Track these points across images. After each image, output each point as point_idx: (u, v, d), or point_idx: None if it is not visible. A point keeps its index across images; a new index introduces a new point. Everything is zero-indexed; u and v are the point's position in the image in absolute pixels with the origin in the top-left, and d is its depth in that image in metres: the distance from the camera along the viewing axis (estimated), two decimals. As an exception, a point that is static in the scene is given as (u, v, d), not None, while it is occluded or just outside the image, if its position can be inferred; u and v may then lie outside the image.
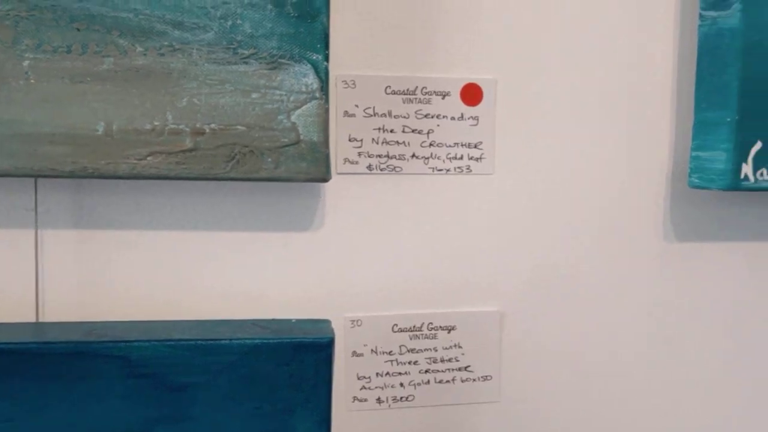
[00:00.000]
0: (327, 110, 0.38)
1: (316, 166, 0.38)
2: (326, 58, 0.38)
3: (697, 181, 0.44)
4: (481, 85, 0.45)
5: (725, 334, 0.49)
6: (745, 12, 0.40)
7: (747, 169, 0.41)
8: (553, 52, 0.46)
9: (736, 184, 0.41)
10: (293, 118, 0.38)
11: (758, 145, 0.41)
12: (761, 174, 0.41)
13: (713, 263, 0.48)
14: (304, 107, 0.38)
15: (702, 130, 0.44)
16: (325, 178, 0.39)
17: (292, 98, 0.38)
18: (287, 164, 0.38)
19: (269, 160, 0.38)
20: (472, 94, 0.45)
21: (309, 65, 0.38)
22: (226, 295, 0.44)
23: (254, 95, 0.37)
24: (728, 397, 0.50)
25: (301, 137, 0.38)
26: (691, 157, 0.45)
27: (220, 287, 0.44)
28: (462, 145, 0.46)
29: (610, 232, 0.47)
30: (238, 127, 0.37)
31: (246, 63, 0.37)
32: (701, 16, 0.44)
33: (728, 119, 0.41)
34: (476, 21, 0.45)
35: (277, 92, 0.38)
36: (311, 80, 0.38)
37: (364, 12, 0.44)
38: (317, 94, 0.38)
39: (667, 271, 0.48)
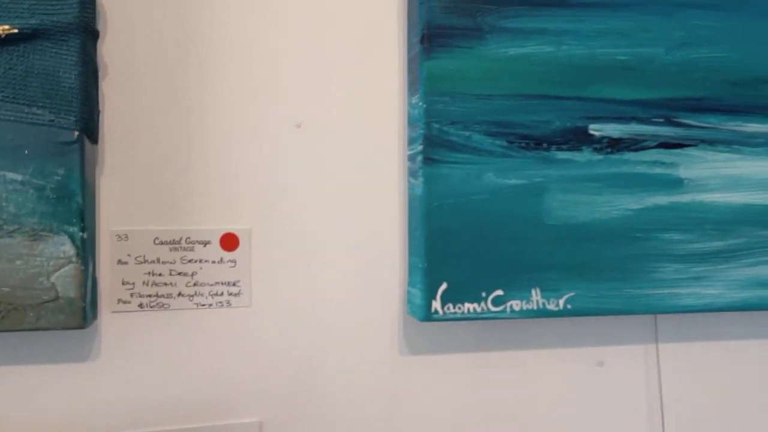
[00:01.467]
0: (83, 271, 0.47)
1: (73, 318, 0.46)
2: (82, 230, 0.47)
3: (409, 311, 0.55)
4: (237, 234, 0.55)
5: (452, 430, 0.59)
6: (427, 183, 0.52)
7: (436, 304, 0.52)
8: (301, 206, 0.56)
9: (428, 317, 0.52)
10: (52, 279, 0.46)
11: (444, 286, 0.52)
12: (448, 308, 0.52)
13: (434, 374, 0.58)
14: (62, 270, 0.46)
15: (411, 271, 0.55)
16: (81, 326, 0.47)
17: (51, 263, 0.46)
18: (47, 317, 0.46)
19: (31, 314, 0.46)
20: (229, 241, 0.55)
21: (66, 236, 0.46)
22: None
23: (18, 262, 0.46)
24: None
25: (60, 294, 0.46)
26: (407, 292, 0.56)
27: None
28: (222, 284, 0.55)
29: (355, 352, 0.57)
30: (3, 288, 0.45)
31: (11, 236, 0.45)
32: (408, 180, 0.56)
33: (421, 265, 0.52)
34: (232, 180, 0.55)
35: (39, 259, 0.46)
36: (68, 248, 0.46)
37: (137, 175, 0.53)
38: (74, 259, 0.46)
39: (400, 380, 0.58)
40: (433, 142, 0.52)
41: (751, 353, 0.63)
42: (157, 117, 0.53)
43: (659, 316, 0.61)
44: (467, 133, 0.53)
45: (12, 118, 0.45)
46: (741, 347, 0.62)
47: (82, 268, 0.47)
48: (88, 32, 0.48)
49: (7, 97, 0.45)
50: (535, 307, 0.54)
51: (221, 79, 0.54)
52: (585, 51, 0.55)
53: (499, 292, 0.53)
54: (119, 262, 0.53)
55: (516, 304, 0.53)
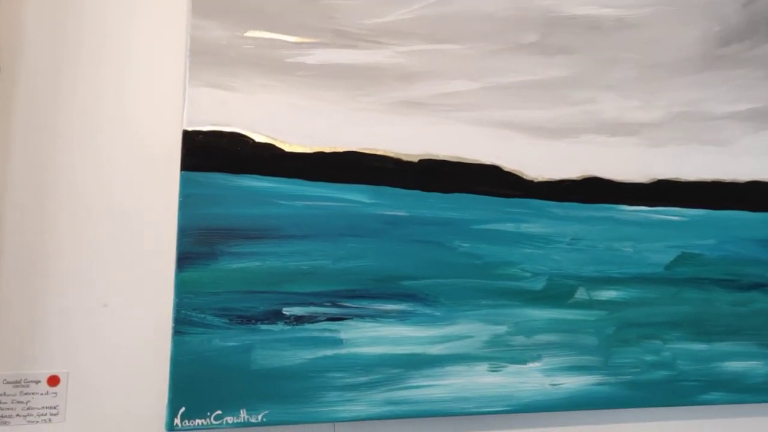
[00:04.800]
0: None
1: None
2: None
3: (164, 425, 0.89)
4: (59, 375, 0.88)
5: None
6: (175, 346, 0.87)
7: (177, 420, 0.86)
8: (101, 358, 0.89)
9: (172, 428, 0.86)
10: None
11: (183, 409, 0.86)
12: (185, 423, 0.86)
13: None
14: None
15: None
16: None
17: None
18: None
19: None
20: (53, 380, 0.88)
21: (-58, 385, 0.78)
22: None
23: None
24: None
25: (-65, 420, 0.77)
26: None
27: None
28: (47, 407, 0.87)
29: (133, 448, 0.90)
30: None
31: None
32: (171, 341, 0.90)
33: (169, 396, 0.86)
34: (58, 342, 0.88)
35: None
36: (-58, 392, 0.78)
37: (-5, 340, 0.86)
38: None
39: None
40: (181, 321, 0.87)
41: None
42: (10, 307, 0.87)
43: (337, 423, 0.97)
44: (203, 315, 0.88)
45: None
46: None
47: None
48: None
49: None
50: (242, 421, 0.88)
51: (57, 289, 0.89)
52: (281, 263, 0.92)
53: (219, 412, 0.88)
54: (-21, 395, 0.84)
55: (230, 419, 0.88)
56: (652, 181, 1.10)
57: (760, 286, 1.13)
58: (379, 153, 0.98)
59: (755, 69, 1.18)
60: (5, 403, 0.85)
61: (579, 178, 1.07)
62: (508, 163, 1.04)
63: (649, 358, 1.07)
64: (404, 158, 0.99)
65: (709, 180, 1.13)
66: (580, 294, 1.05)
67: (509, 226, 1.03)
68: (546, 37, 1.07)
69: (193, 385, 0.87)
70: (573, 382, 1.03)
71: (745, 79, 1.17)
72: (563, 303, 1.04)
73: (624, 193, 1.09)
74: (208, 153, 0.91)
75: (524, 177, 1.05)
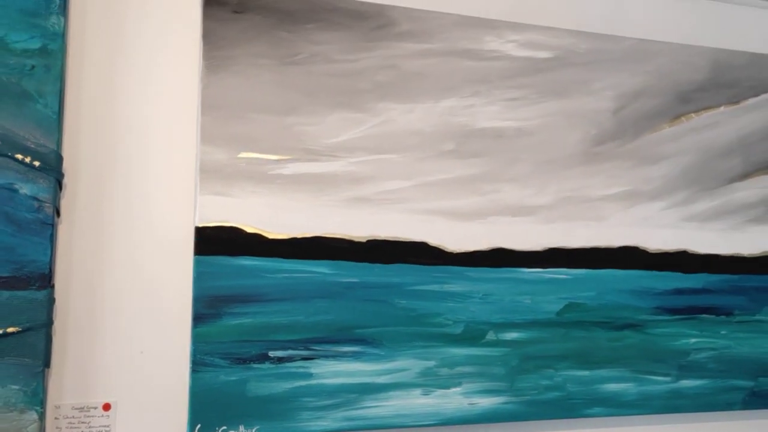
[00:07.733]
0: (39, 426, 1.14)
1: (34, 445, 1.13)
2: (41, 408, 1.14)
3: (186, 436, 1.24)
4: (111, 403, 1.24)
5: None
6: (192, 381, 1.23)
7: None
8: (137, 394, 1.25)
9: None
10: (28, 430, 1.13)
11: (199, 425, 1.22)
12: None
13: (200, 465, 1.27)
14: (31, 425, 1.13)
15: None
16: (38, 449, 1.14)
17: (28, 422, 1.13)
18: (24, 445, 1.13)
19: (17, 444, 1.12)
20: (107, 406, 1.23)
21: (34, 412, 1.14)
22: (-1, 494, 1.15)
23: (13, 422, 1.12)
24: None
25: (30, 435, 1.13)
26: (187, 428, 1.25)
27: (-3, 490, 1.15)
28: (101, 426, 1.23)
29: (163, 456, 1.25)
30: (6, 434, 1.12)
31: (11, 412, 1.12)
32: (189, 377, 1.27)
33: (189, 417, 1.22)
34: (108, 379, 1.24)
35: (22, 421, 1.13)
36: (34, 416, 1.14)
37: (63, 381, 1.21)
38: (36, 421, 1.14)
39: (184, 470, 1.26)
40: (197, 362, 1.24)
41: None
42: (76, 355, 1.23)
43: (310, 435, 1.32)
44: (212, 358, 1.25)
45: (15, 362, 1.14)
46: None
47: (40, 424, 1.14)
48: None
49: (10, 354, 1.14)
50: (240, 433, 1.24)
51: (109, 342, 1.25)
52: (267, 319, 1.29)
53: (224, 427, 1.23)
54: (55, 418, 1.20)
55: (232, 432, 1.24)
56: (545, 249, 1.48)
57: (630, 326, 1.50)
58: (336, 236, 1.35)
59: (624, 161, 1.56)
60: (74, 423, 1.21)
61: (488, 249, 1.45)
62: (433, 240, 1.41)
63: (544, 382, 1.43)
64: (355, 239, 1.37)
65: (589, 246, 1.51)
66: (490, 336, 1.42)
67: (435, 287, 1.40)
68: (462, 145, 1.46)
69: (205, 408, 1.23)
70: (486, 402, 1.39)
71: (616, 169, 1.56)
72: (477, 342, 1.41)
73: (523, 259, 1.47)
74: (214, 242, 1.28)
75: (445, 250, 1.42)
